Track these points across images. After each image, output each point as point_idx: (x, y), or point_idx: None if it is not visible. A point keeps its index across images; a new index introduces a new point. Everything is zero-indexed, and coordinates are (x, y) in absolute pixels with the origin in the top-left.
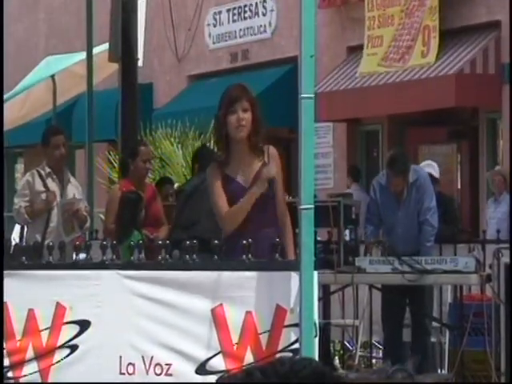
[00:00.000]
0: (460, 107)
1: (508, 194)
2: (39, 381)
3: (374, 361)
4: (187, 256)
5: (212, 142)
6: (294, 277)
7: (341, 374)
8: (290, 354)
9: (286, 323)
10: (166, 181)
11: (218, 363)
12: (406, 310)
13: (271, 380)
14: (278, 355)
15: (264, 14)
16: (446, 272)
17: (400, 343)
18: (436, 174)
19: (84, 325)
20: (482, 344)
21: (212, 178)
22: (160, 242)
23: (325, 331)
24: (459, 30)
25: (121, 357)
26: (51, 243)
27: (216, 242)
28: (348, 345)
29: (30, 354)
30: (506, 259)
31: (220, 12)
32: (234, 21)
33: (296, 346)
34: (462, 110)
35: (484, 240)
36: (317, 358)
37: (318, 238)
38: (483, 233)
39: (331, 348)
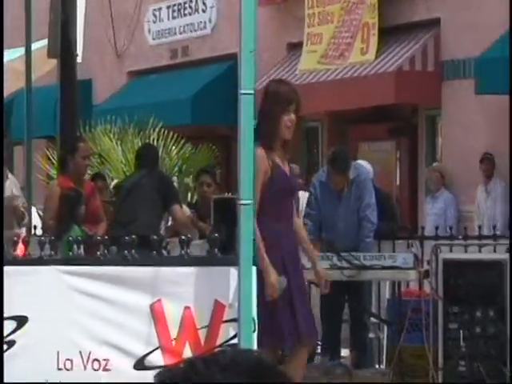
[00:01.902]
0: (399, 104)
1: (446, 190)
2: None
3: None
4: (126, 252)
5: (152, 138)
6: (233, 272)
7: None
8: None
9: (224, 318)
10: (99, 176)
11: (157, 358)
12: (345, 305)
13: (213, 370)
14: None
15: (204, 11)
16: (384, 268)
17: (338, 339)
18: (371, 173)
19: (21, 320)
20: (419, 339)
21: (256, 167)
22: (99, 238)
23: None
24: (398, 28)
25: (58, 352)
26: None
27: (155, 237)
28: None
29: None
30: (443, 255)
31: (160, 8)
32: (173, 17)
33: (235, 341)
34: (402, 107)
35: (422, 236)
36: None
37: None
38: (421, 229)
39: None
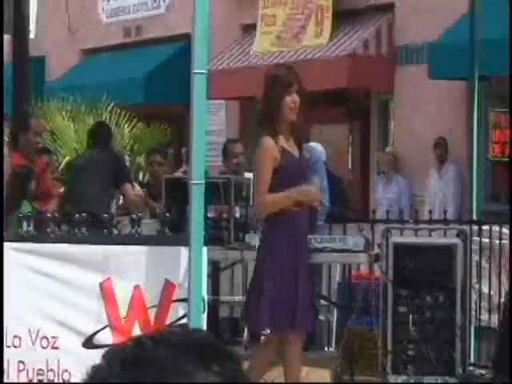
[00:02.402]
0: (352, 88)
1: (399, 175)
2: None
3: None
4: (76, 229)
5: (104, 117)
6: (184, 252)
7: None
8: None
9: (174, 298)
10: (44, 151)
11: (106, 337)
12: None
13: (162, 349)
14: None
15: None
16: (335, 251)
17: None
18: (323, 156)
19: None
20: (369, 323)
21: (265, 156)
22: (49, 215)
23: (213, 307)
24: (353, 11)
25: (6, 329)
26: None
27: (106, 215)
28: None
29: None
30: (394, 239)
31: None
32: None
33: (184, 320)
34: (355, 90)
35: (373, 220)
36: None
37: (209, 215)
38: (372, 213)
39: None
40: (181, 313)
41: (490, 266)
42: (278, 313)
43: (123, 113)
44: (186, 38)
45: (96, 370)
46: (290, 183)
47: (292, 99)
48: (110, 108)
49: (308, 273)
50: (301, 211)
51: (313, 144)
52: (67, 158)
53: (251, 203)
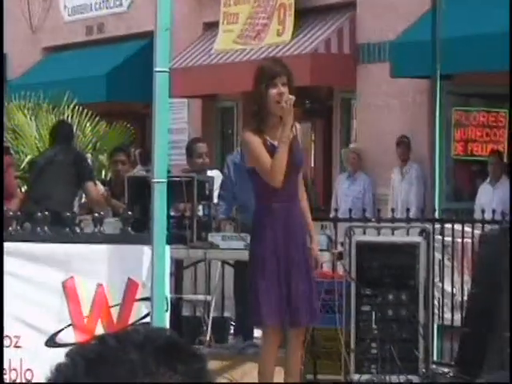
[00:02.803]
0: (315, 86)
1: (363, 173)
2: None
3: (225, 337)
4: (39, 228)
5: (66, 115)
6: (147, 251)
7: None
8: None
9: (137, 297)
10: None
11: (68, 336)
12: None
13: (126, 347)
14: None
15: None
16: None
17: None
18: None
19: None
20: (332, 321)
21: (252, 139)
22: (11, 214)
23: (176, 306)
24: (315, 9)
25: None
26: None
27: (68, 214)
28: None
29: None
30: (357, 237)
31: None
32: None
33: (147, 319)
34: (317, 89)
35: (336, 218)
36: None
37: (172, 213)
38: (335, 211)
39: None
40: (144, 311)
41: (452, 265)
42: (272, 308)
43: (85, 111)
44: (148, 36)
45: (60, 368)
46: None
47: (277, 91)
48: (72, 106)
49: (300, 267)
50: (288, 206)
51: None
52: (29, 157)
53: (214, 201)
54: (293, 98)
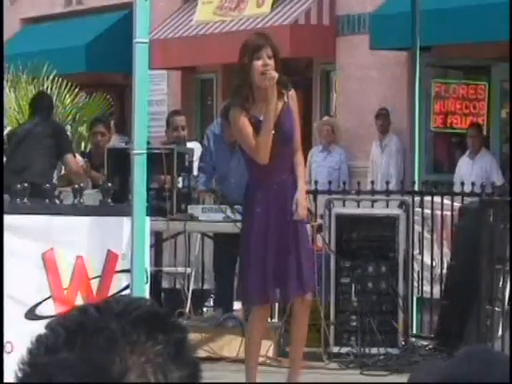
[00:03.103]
0: (294, 58)
1: (337, 146)
2: None
3: (205, 309)
4: (18, 200)
5: (46, 86)
6: (126, 222)
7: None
8: None
9: (117, 269)
10: None
11: (48, 308)
12: (238, 258)
13: (106, 317)
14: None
15: None
16: None
17: (231, 292)
18: None
19: None
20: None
21: (237, 117)
22: None
23: (156, 278)
24: None
25: None
26: None
27: (48, 186)
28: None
29: None
30: (336, 210)
31: None
32: None
33: (127, 291)
34: (297, 60)
35: (315, 190)
36: None
37: (151, 185)
38: (315, 183)
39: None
40: (123, 283)
41: (431, 237)
42: (261, 284)
43: (65, 82)
44: (128, 7)
45: (41, 339)
46: None
47: (262, 62)
48: (51, 77)
49: (293, 242)
50: (280, 181)
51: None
52: (8, 128)
53: (194, 173)
54: (276, 74)
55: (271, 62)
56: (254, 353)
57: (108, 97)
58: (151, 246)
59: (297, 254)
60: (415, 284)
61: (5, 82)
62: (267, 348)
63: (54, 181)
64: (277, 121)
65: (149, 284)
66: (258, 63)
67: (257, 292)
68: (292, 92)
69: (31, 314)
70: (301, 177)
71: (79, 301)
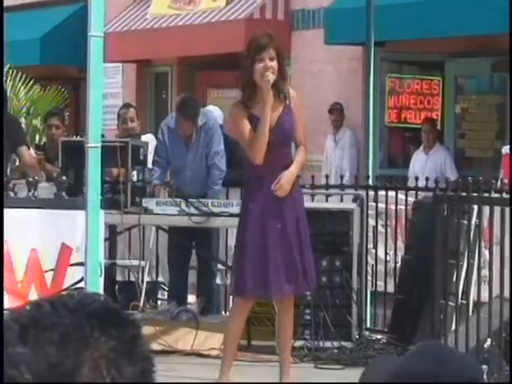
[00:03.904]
0: None
1: None
2: None
3: (159, 302)
4: None
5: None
6: (81, 215)
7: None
8: None
9: (71, 262)
10: None
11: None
12: (192, 252)
13: (60, 312)
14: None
15: None
16: (232, 215)
17: (185, 285)
18: (220, 119)
19: None
20: None
21: (236, 113)
22: None
23: (110, 271)
24: None
25: None
26: None
27: (4, 179)
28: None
29: None
30: None
31: None
32: None
33: (81, 284)
34: None
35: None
36: None
37: (106, 178)
38: None
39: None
40: (78, 276)
41: (386, 231)
42: (253, 278)
43: (19, 74)
44: (83, 0)
45: None
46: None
47: (263, 65)
48: (5, 69)
49: (291, 240)
50: (271, 176)
51: (210, 107)
52: None
53: (149, 166)
54: (271, 78)
55: (273, 64)
56: (233, 345)
57: (63, 90)
58: (105, 239)
59: (299, 254)
60: (369, 278)
61: None
62: (221, 341)
63: (8, 173)
64: (276, 122)
65: (103, 277)
66: (260, 65)
67: (249, 285)
68: (292, 91)
69: None
70: (297, 161)
71: (33, 294)
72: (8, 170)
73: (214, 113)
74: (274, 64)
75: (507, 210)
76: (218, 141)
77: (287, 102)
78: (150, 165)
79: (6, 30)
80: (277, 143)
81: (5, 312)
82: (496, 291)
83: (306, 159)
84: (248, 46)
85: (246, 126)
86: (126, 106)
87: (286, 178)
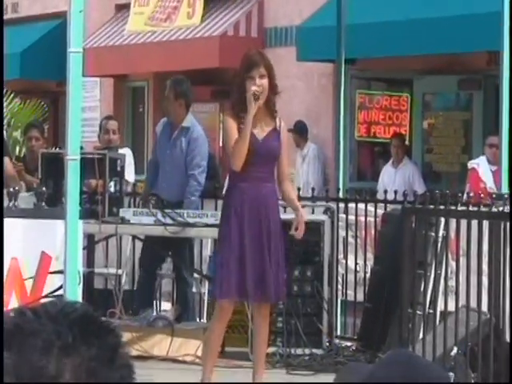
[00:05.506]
0: (223, 68)
1: None
2: None
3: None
4: None
5: None
6: (60, 225)
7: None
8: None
9: (50, 270)
10: None
11: None
12: (167, 260)
13: (43, 320)
14: (43, 300)
15: None
16: (207, 226)
17: (151, 289)
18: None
19: None
20: None
21: (226, 121)
22: None
23: (88, 279)
24: None
25: None
26: None
27: None
28: None
29: None
30: None
31: None
32: None
33: (60, 292)
34: (226, 70)
35: None
36: None
37: (84, 189)
38: None
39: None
40: (57, 284)
41: (355, 242)
42: (228, 285)
43: None
44: (62, 17)
45: None
46: (249, 160)
47: (253, 83)
48: None
49: (266, 248)
50: (257, 190)
51: (194, 121)
52: None
53: (125, 178)
54: (253, 90)
55: (263, 82)
56: (214, 350)
57: (42, 103)
58: (84, 248)
59: (273, 263)
60: (339, 287)
61: None
62: (196, 348)
63: None
64: (266, 136)
65: (81, 285)
66: (249, 83)
67: (226, 291)
68: (283, 123)
69: None
70: (296, 199)
71: (13, 301)
72: None
73: (199, 126)
74: (265, 82)
75: (473, 222)
76: (202, 155)
77: (277, 125)
78: (126, 177)
79: None
80: (263, 156)
81: None
82: (462, 301)
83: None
84: (240, 64)
85: (234, 134)
86: (109, 117)
87: (303, 222)
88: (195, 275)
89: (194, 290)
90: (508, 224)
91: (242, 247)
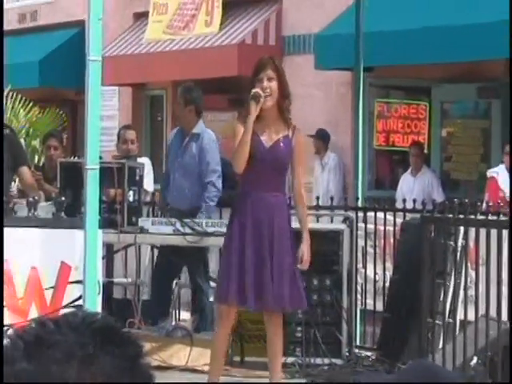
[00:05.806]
0: (242, 76)
1: None
2: None
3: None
4: None
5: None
6: (79, 235)
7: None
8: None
9: (70, 280)
10: None
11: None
12: (182, 270)
13: (64, 331)
14: (63, 310)
15: None
16: (225, 234)
17: (164, 301)
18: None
19: None
20: None
21: (236, 127)
22: None
23: (107, 289)
24: (242, 1)
25: None
26: None
27: (4, 198)
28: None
29: None
30: None
31: None
32: None
33: (80, 302)
34: (244, 79)
35: None
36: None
37: (103, 198)
38: None
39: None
40: (76, 294)
41: (374, 252)
42: (229, 290)
43: (19, 97)
44: (80, 25)
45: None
46: (256, 167)
47: (261, 86)
48: (5, 92)
49: (272, 256)
50: (262, 199)
51: (204, 127)
52: None
53: (144, 187)
54: (258, 91)
55: (271, 84)
56: (219, 357)
57: (61, 112)
58: (103, 258)
59: (280, 271)
60: (358, 297)
61: None
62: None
63: (14, 193)
64: (275, 143)
65: (101, 294)
66: (258, 86)
67: (227, 296)
68: (298, 130)
69: None
70: (306, 229)
71: (33, 311)
72: (15, 189)
73: (208, 131)
74: (273, 84)
75: (492, 231)
76: (215, 160)
77: (290, 133)
78: (145, 186)
79: (6, 53)
80: (270, 164)
81: (10, 329)
82: (482, 310)
83: (306, 215)
84: (253, 68)
85: (239, 138)
86: (127, 127)
87: (307, 252)
88: (212, 284)
89: (210, 299)
90: None
91: (243, 253)
